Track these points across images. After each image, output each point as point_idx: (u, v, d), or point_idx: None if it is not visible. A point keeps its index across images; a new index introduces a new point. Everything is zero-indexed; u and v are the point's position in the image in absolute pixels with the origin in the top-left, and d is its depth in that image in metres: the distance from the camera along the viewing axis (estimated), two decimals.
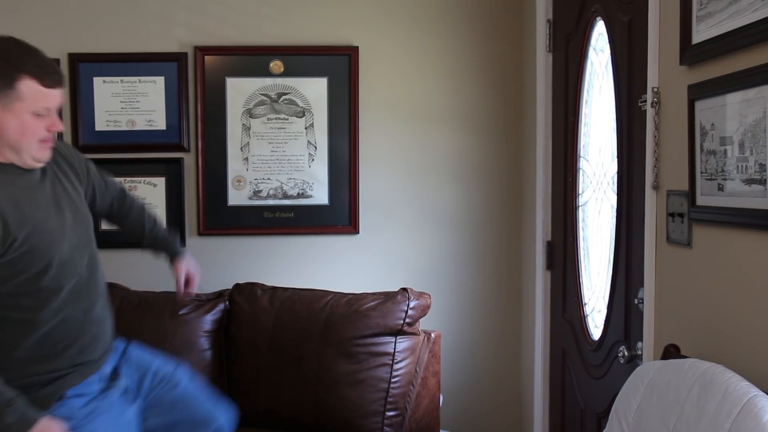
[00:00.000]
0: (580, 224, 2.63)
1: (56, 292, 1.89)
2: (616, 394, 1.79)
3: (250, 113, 3.14)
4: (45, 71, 1.82)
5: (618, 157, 2.25)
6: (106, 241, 3.09)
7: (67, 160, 2.05)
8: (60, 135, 2.10)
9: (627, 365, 2.11)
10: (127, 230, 2.37)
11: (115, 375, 2.09)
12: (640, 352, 2.07)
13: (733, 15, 1.57)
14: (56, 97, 1.86)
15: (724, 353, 1.63)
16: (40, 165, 1.90)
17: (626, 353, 2.11)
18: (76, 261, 1.95)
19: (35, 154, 1.86)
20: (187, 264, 2.37)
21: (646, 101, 1.97)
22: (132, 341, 2.23)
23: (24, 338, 1.87)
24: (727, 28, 1.59)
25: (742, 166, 1.55)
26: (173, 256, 2.37)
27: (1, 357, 1.87)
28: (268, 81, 3.14)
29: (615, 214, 2.29)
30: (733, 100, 1.58)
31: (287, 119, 3.15)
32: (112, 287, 2.85)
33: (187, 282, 2.36)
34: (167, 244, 2.38)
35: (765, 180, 1.47)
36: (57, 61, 3.05)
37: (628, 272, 2.18)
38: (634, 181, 2.13)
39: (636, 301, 2.09)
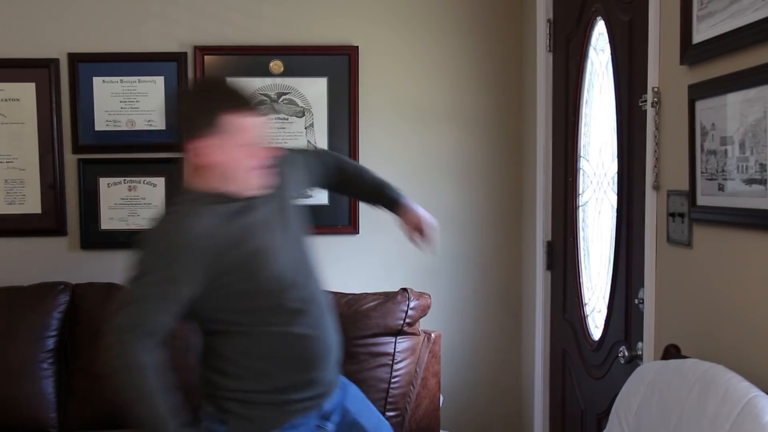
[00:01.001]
0: (581, 224, 2.62)
1: (289, 305, 1.91)
2: (617, 395, 1.79)
3: None
4: (241, 104, 1.86)
5: (618, 157, 2.25)
6: (106, 242, 3.11)
7: (286, 175, 2.04)
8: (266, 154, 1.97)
9: (627, 365, 2.11)
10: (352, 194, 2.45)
11: (327, 415, 1.99)
12: (640, 353, 2.06)
13: (733, 14, 1.56)
14: (256, 126, 1.88)
15: (724, 353, 1.63)
16: (256, 191, 1.91)
17: (626, 353, 2.11)
18: (300, 274, 1.96)
19: (249, 182, 1.89)
20: (411, 215, 2.21)
21: (646, 101, 1.97)
22: (351, 384, 2.14)
23: (266, 350, 1.90)
24: (727, 27, 1.58)
25: (742, 166, 1.54)
26: (394, 207, 2.26)
27: (244, 367, 1.90)
28: (267, 81, 3.13)
29: (615, 214, 2.28)
30: (734, 99, 1.57)
31: (287, 119, 3.15)
32: (112, 288, 2.85)
33: (419, 231, 2.21)
34: (385, 196, 2.28)
35: (765, 180, 1.47)
36: (56, 61, 3.06)
37: (629, 272, 2.18)
38: (634, 181, 2.13)
39: (636, 301, 2.09)
